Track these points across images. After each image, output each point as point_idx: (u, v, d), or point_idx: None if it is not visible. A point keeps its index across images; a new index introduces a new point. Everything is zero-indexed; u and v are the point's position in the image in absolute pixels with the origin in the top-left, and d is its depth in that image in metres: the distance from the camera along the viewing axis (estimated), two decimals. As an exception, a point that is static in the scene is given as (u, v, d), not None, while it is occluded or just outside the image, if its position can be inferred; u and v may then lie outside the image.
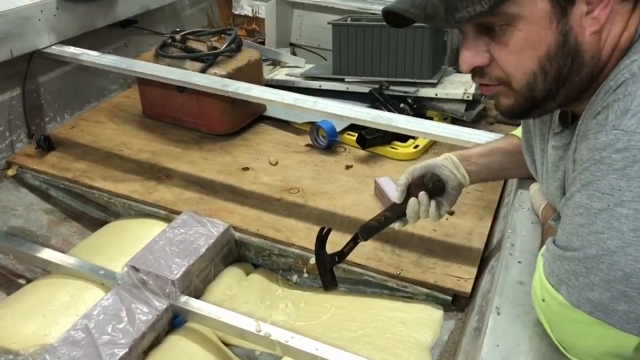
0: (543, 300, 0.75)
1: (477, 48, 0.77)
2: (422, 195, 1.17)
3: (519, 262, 0.94)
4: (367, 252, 1.68)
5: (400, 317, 1.56)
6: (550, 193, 0.96)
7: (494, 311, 0.84)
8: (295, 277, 1.77)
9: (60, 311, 1.51)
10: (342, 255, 1.31)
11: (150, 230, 1.76)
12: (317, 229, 1.77)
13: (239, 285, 1.69)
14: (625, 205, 0.65)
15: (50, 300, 1.54)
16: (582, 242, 0.69)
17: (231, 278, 1.71)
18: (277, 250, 1.75)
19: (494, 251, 1.62)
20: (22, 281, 1.71)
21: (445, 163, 1.20)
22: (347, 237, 1.38)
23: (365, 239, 1.28)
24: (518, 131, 1.18)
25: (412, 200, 1.18)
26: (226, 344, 1.54)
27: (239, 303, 1.62)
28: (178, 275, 1.53)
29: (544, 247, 0.82)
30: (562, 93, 0.78)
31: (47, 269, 1.69)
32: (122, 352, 1.35)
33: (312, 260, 1.71)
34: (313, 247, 1.69)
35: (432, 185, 1.15)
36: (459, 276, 1.60)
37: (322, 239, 1.32)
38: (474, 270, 1.61)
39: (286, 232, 1.77)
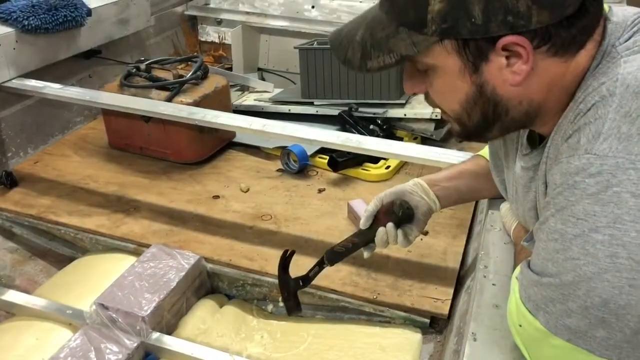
0: (520, 326, 0.73)
1: (414, 80, 0.82)
2: (390, 226, 1.17)
3: (493, 284, 0.92)
4: (342, 277, 1.66)
5: (379, 342, 1.53)
6: (521, 214, 0.95)
7: (470, 337, 0.82)
8: (270, 307, 1.73)
9: (25, 356, 1.44)
10: (306, 279, 1.27)
11: (118, 265, 1.71)
12: (290, 255, 1.77)
13: (213, 318, 1.64)
14: (600, 231, 0.64)
15: (14, 344, 1.48)
16: (558, 268, 0.68)
17: (204, 311, 1.66)
18: (250, 280, 1.71)
19: (470, 270, 1.61)
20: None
21: (415, 189, 1.19)
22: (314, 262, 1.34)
23: (331, 264, 1.25)
24: (485, 151, 1.17)
25: (381, 230, 1.17)
26: (201, 381, 1.49)
27: (213, 336, 1.57)
28: (148, 312, 1.48)
29: (517, 270, 0.80)
30: (497, 128, 0.82)
31: (11, 312, 1.62)
32: (90, 397, 1.29)
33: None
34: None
35: (402, 214, 1.15)
36: (436, 297, 1.58)
37: (285, 262, 1.29)
38: (451, 291, 1.59)
39: (259, 261, 1.73)
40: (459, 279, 1.64)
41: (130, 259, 1.73)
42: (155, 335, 1.48)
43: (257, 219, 1.92)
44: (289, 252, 1.33)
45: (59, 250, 1.91)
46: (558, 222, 0.69)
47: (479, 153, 1.18)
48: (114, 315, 1.48)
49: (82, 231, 1.86)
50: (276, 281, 1.67)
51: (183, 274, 1.62)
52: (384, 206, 1.17)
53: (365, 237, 1.20)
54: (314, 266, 1.29)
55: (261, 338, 1.61)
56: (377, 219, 1.19)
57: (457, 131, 0.86)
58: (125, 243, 1.81)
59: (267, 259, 1.74)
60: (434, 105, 0.84)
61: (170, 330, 1.56)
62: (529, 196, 0.87)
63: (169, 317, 1.57)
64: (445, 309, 1.54)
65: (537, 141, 0.88)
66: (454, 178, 1.19)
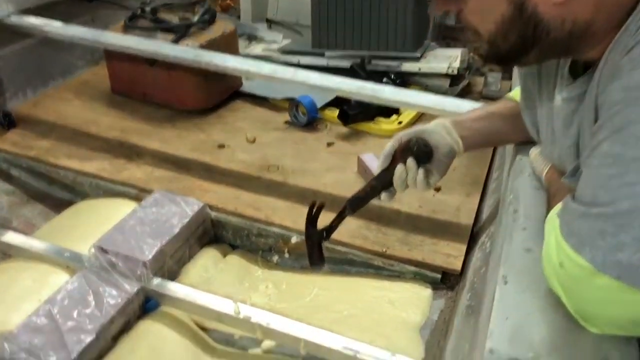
0: (560, 266, 0.66)
1: None
2: (410, 161, 1.09)
3: (523, 228, 0.86)
4: (351, 231, 1.60)
5: (388, 296, 1.48)
6: (557, 155, 0.88)
7: (501, 280, 0.76)
8: (276, 258, 1.67)
9: (21, 296, 1.39)
10: (330, 230, 1.22)
11: (119, 210, 1.64)
12: (299, 207, 1.70)
13: (216, 267, 1.59)
14: None
15: (10, 285, 1.42)
16: (611, 196, 0.61)
17: (207, 260, 1.61)
18: (256, 229, 1.66)
19: (484, 227, 1.55)
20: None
21: (437, 128, 1.12)
22: (332, 216, 1.29)
23: (354, 211, 1.19)
24: (515, 93, 1.10)
25: (399, 167, 1.10)
26: (203, 329, 1.44)
27: (216, 285, 1.52)
28: (150, 257, 1.42)
29: (555, 209, 0.74)
30: (535, 51, 0.76)
31: (8, 253, 1.57)
32: (88, 339, 1.24)
33: (294, 240, 1.62)
34: (295, 226, 1.62)
35: (416, 149, 1.07)
36: (448, 253, 1.52)
37: (313, 215, 1.22)
38: (464, 247, 1.53)
39: (266, 211, 1.67)
40: (473, 236, 1.58)
41: (132, 205, 1.66)
42: (157, 280, 1.42)
43: (264, 170, 1.85)
44: (317, 205, 1.24)
45: (57, 194, 1.85)
46: (615, 145, 0.61)
47: (508, 95, 1.11)
48: (113, 259, 1.42)
49: (82, 175, 1.79)
50: (282, 232, 1.63)
51: (186, 220, 1.56)
52: (401, 145, 1.09)
53: (383, 180, 1.14)
54: (336, 217, 1.22)
55: (266, 288, 1.55)
56: (395, 159, 1.12)
57: (488, 54, 0.79)
58: (126, 188, 1.75)
59: (274, 210, 1.68)
60: (467, 24, 0.77)
61: (172, 277, 1.51)
62: (569, 131, 0.80)
63: (171, 264, 1.52)
64: (457, 265, 1.48)
65: (580, 72, 0.81)
66: (481, 119, 1.11)
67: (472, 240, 1.56)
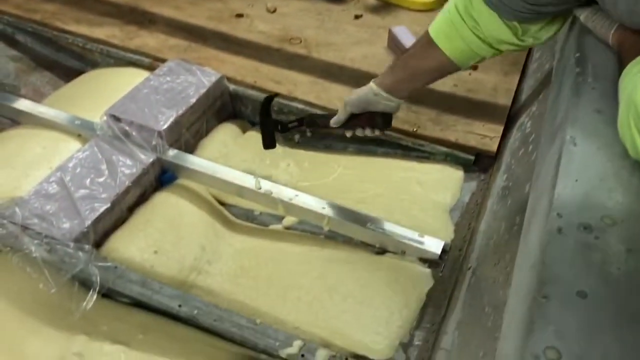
0: None
1: None
2: (369, 131, 1.11)
3: (592, 88, 0.74)
4: (379, 108, 1.49)
5: (417, 177, 1.40)
6: (625, 9, 0.75)
7: (569, 141, 0.65)
8: (297, 137, 1.58)
9: (31, 163, 1.33)
10: (285, 127, 1.22)
11: (132, 80, 1.54)
12: (322, 82, 1.59)
13: (235, 143, 1.51)
14: None
15: (19, 151, 1.36)
16: None
17: (226, 134, 1.52)
18: (277, 105, 1.55)
19: (525, 107, 1.43)
20: (-12, 133, 1.51)
21: (378, 99, 1.04)
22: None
23: (307, 127, 1.22)
24: (436, 28, 0.93)
25: (359, 130, 1.12)
26: (222, 204, 1.38)
27: (236, 161, 1.44)
28: (165, 126, 1.34)
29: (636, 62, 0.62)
30: None
31: (17, 119, 1.49)
32: (103, 208, 1.19)
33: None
34: (318, 102, 1.51)
35: (383, 125, 1.10)
36: (484, 134, 1.42)
37: (267, 107, 1.24)
38: (500, 128, 1.42)
39: (287, 85, 1.56)
40: (510, 117, 1.47)
41: (145, 74, 1.55)
42: (173, 152, 1.35)
43: (285, 42, 1.71)
44: (274, 96, 1.28)
45: (66, 62, 1.74)
46: None
47: (429, 34, 0.93)
48: (127, 128, 1.33)
49: (91, 41, 1.67)
50: (305, 108, 1.52)
51: (203, 91, 1.46)
52: (362, 115, 1.09)
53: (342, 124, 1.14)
54: (296, 120, 1.22)
55: (287, 166, 1.47)
56: (356, 119, 1.10)
57: None
58: (139, 56, 1.63)
59: (296, 84, 1.56)
60: None
61: (189, 150, 1.43)
62: None
63: (187, 136, 1.43)
64: (493, 146, 1.38)
65: None
66: (406, 81, 1.00)
67: (509, 121, 1.45)
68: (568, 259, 0.52)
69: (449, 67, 0.93)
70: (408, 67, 0.99)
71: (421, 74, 0.98)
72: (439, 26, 0.89)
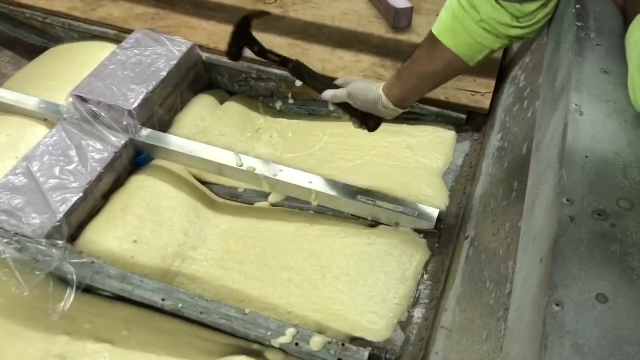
0: None
1: None
2: (356, 124, 1.07)
3: (597, 44, 0.66)
4: (363, 69, 1.40)
5: (406, 141, 1.33)
6: None
7: (574, 111, 0.58)
8: (279, 104, 1.50)
9: (-5, 153, 1.24)
10: (261, 50, 1.08)
11: (98, 54, 1.44)
12: (302, 44, 1.49)
13: (212, 115, 1.42)
14: None
15: (-18, 141, 1.27)
16: None
17: (202, 107, 1.43)
18: (255, 72, 1.46)
19: (516, 59, 1.35)
20: (-53, 122, 1.42)
21: (386, 110, 0.99)
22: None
23: (291, 73, 1.10)
24: (442, 30, 0.83)
25: (346, 117, 1.06)
26: (204, 183, 1.31)
27: (214, 135, 1.36)
28: (135, 104, 1.25)
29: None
30: None
31: (-23, 106, 1.40)
32: (75, 198, 1.11)
33: (298, 83, 1.43)
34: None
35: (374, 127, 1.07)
36: (475, 90, 1.34)
37: (249, 21, 1.07)
38: (492, 83, 1.35)
39: (264, 50, 1.45)
40: (502, 71, 1.39)
41: (111, 47, 1.45)
42: (146, 131, 1.26)
43: (259, 2, 1.61)
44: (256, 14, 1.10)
45: (27, 38, 1.63)
46: None
47: (432, 34, 0.84)
48: (94, 109, 1.24)
49: (51, 15, 1.55)
50: (285, 74, 1.43)
51: (174, 62, 1.36)
52: (357, 110, 1.03)
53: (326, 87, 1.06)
54: (282, 56, 1.10)
55: (270, 137, 1.40)
56: (349, 108, 1.03)
57: None
58: (103, 29, 1.52)
59: (273, 47, 1.45)
60: None
61: (163, 128, 1.34)
62: None
63: (161, 113, 1.34)
64: (485, 103, 1.31)
65: None
66: (414, 89, 0.93)
67: (501, 75, 1.37)
68: (582, 254, 0.46)
69: (456, 66, 0.86)
70: (414, 74, 0.92)
71: (428, 78, 0.91)
72: (442, 23, 0.82)
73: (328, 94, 1.04)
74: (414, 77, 0.92)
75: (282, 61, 1.09)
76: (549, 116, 0.66)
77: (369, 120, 1.05)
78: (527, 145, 0.98)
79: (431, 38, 0.85)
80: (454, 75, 0.93)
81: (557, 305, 0.42)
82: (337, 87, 1.05)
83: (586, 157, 0.53)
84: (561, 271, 0.44)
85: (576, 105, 0.59)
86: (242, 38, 1.07)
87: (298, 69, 1.09)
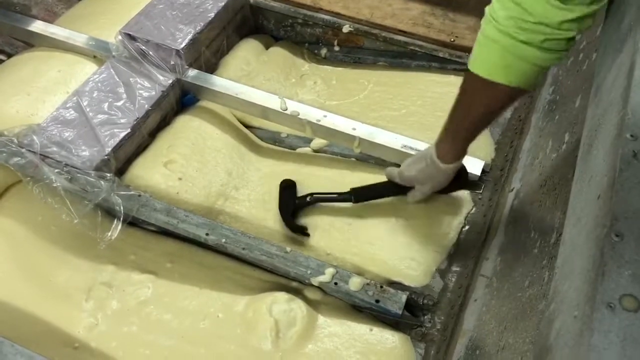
0: None
1: None
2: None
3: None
4: (413, 17, 1.37)
5: (454, 92, 1.29)
6: None
7: None
8: (324, 51, 1.48)
9: (47, 88, 1.27)
10: (317, 196, 1.11)
11: (147, -6, 1.44)
12: (350, -10, 1.46)
13: (258, 60, 1.41)
14: None
15: (34, 76, 1.30)
16: None
17: (248, 51, 1.43)
18: (301, 17, 1.44)
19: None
20: (1, 57, 1.45)
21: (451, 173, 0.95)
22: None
23: (356, 201, 1.09)
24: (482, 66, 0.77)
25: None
26: (247, 126, 1.32)
27: (259, 80, 1.36)
28: (183, 44, 1.25)
29: None
30: None
31: (30, 42, 1.42)
32: (123, 133, 1.13)
33: (345, 29, 1.41)
34: (346, 13, 1.40)
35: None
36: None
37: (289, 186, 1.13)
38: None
39: (312, -6, 1.44)
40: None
41: (160, -12, 1.45)
42: (193, 72, 1.27)
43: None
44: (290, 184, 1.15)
45: (77, -22, 1.63)
46: None
47: (479, 76, 0.76)
48: (143, 48, 1.25)
49: (101, -46, 1.55)
50: (332, 19, 1.41)
51: (222, 4, 1.35)
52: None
53: (394, 190, 1.06)
54: (334, 193, 1.10)
55: (314, 84, 1.39)
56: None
57: None
58: (152, -31, 1.51)
59: (321, -7, 1.44)
60: None
61: (209, 70, 1.34)
62: None
63: (208, 55, 1.35)
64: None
65: None
66: (470, 138, 0.88)
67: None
68: (646, 188, 0.44)
69: (515, 97, 0.79)
70: (467, 122, 0.86)
71: (484, 122, 0.85)
72: (487, 61, 0.75)
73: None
74: (470, 125, 0.86)
75: (340, 196, 1.08)
76: (612, 59, 0.64)
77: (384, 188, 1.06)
78: (581, 97, 0.95)
79: (477, 81, 0.77)
80: (511, 105, 0.86)
81: (617, 236, 0.41)
82: (398, 185, 1.03)
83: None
84: (622, 204, 0.43)
85: None
86: (290, 205, 1.09)
87: (360, 193, 1.08)
